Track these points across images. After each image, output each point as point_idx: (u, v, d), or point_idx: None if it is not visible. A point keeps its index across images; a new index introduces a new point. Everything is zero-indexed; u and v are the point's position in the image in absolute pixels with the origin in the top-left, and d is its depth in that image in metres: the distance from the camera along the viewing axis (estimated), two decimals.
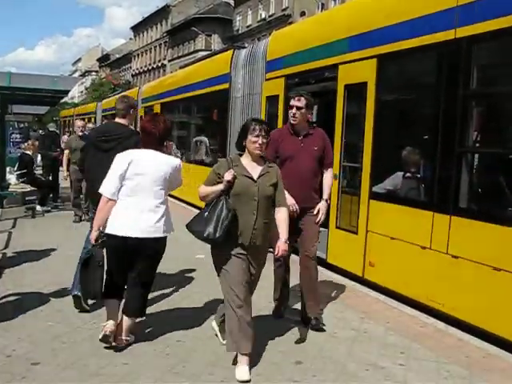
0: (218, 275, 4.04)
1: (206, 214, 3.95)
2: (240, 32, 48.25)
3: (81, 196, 10.16)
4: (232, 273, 3.90)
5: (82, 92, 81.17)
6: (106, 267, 4.41)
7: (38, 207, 10.98)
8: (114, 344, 4.20)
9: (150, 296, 5.51)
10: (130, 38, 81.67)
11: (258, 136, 3.95)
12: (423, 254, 5.42)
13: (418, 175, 6.01)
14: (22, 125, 15.42)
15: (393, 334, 4.77)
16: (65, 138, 15.04)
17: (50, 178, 12.79)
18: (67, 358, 4.02)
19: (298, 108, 4.84)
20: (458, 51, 5.07)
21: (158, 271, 6.07)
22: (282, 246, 4.01)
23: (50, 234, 8.79)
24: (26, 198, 11.17)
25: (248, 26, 47.26)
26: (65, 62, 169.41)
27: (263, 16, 44.38)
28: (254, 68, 9.58)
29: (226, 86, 10.68)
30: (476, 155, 5.24)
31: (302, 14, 37.19)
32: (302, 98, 4.86)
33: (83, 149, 5.81)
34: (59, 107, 37.43)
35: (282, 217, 4.08)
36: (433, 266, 5.31)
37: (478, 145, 5.30)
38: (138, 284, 4.31)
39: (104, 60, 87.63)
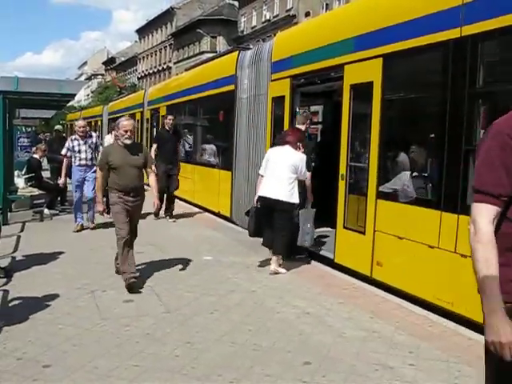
0: None
1: None
2: (245, 33, 48.28)
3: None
4: None
5: (88, 95, 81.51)
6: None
7: (46, 211, 11.03)
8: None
9: (158, 297, 5.55)
10: (136, 41, 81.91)
11: None
12: (431, 253, 5.41)
13: (425, 174, 6.00)
14: (29, 129, 15.50)
15: (402, 334, 4.76)
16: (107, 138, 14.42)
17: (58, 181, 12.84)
18: (77, 361, 4.04)
19: None
20: (464, 49, 5.06)
21: (165, 272, 6.16)
22: None
23: (58, 236, 8.83)
24: (34, 202, 11.23)
25: (253, 27, 47.28)
26: (71, 66, 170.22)
27: (268, 17, 44.39)
28: (259, 69, 9.59)
29: (231, 87, 10.70)
30: None
31: (307, 14, 37.16)
32: None
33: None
34: (66, 111, 37.61)
35: None
36: (441, 265, 5.30)
37: None
38: (277, 230, 6.65)
39: (110, 63, 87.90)
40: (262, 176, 6.88)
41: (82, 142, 9.52)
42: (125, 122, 6.13)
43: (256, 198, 6.99)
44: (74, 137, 9.72)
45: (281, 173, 6.62)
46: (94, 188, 9.00)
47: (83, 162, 9.52)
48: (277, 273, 6.64)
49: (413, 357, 4.26)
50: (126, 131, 6.04)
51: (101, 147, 9.58)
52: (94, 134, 10.19)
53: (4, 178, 10.07)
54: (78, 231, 9.41)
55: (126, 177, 5.99)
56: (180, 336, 4.58)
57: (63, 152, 9.65)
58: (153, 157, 8.58)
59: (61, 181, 10.13)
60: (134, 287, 5.80)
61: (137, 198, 6.11)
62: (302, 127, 7.40)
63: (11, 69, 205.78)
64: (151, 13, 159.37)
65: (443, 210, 5.27)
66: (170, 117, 11.27)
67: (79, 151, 9.50)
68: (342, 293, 5.99)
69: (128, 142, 6.07)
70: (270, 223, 6.75)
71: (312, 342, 4.56)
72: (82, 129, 9.65)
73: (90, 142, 9.62)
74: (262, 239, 7.15)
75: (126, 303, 5.48)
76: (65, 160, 9.73)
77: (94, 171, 9.06)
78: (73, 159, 9.57)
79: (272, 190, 6.62)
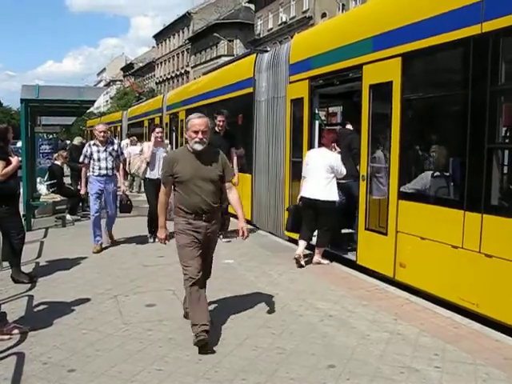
0: None
1: None
2: (261, 36, 48.31)
3: None
4: None
5: (107, 101, 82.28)
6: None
7: (68, 216, 11.16)
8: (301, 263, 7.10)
9: (180, 302, 5.55)
10: (153, 47, 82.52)
11: None
12: (455, 254, 5.33)
13: (447, 174, 5.92)
14: (50, 136, 15.67)
15: (427, 336, 4.70)
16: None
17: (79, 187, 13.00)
18: (101, 365, 4.06)
19: None
20: (485, 46, 4.98)
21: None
22: None
23: (81, 242, 8.91)
24: (57, 208, 11.35)
25: (269, 30, 47.29)
26: (90, 73, 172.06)
27: (284, 19, 44.35)
28: (277, 71, 9.57)
29: (250, 90, 10.70)
30: (506, 151, 5.14)
31: (323, 15, 37.07)
32: None
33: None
34: (86, 117, 38.02)
35: None
36: (465, 266, 5.22)
37: (508, 140, 5.20)
38: (321, 226, 7.26)
39: (128, 69, 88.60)
40: (304, 177, 7.42)
41: (101, 148, 8.37)
42: (195, 121, 4.58)
43: (299, 197, 7.54)
44: (92, 142, 8.65)
45: (318, 174, 7.15)
46: (115, 201, 8.63)
47: (103, 172, 8.35)
48: (319, 263, 7.30)
49: (438, 359, 4.20)
50: (197, 132, 4.53)
51: (123, 155, 9.01)
52: (115, 141, 9.42)
53: (27, 185, 10.20)
54: (97, 252, 8.11)
55: (196, 194, 4.58)
56: None
57: (80, 159, 8.59)
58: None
59: (82, 191, 9.14)
60: (205, 346, 4.35)
61: (211, 223, 4.70)
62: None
63: (32, 77, 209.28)
64: (169, 18, 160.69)
65: (466, 210, 5.20)
66: (219, 118, 8.96)
67: (98, 159, 8.33)
68: (365, 295, 5.94)
69: (199, 147, 4.58)
70: (309, 220, 7.34)
71: (336, 344, 4.52)
72: (102, 134, 8.46)
73: (110, 148, 8.47)
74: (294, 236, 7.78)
75: (149, 308, 5.50)
76: (83, 169, 8.67)
77: (115, 183, 8.64)
78: (91, 168, 8.40)
79: (311, 190, 7.21)
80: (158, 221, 4.91)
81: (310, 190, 7.24)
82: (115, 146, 8.67)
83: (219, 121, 8.91)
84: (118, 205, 8.87)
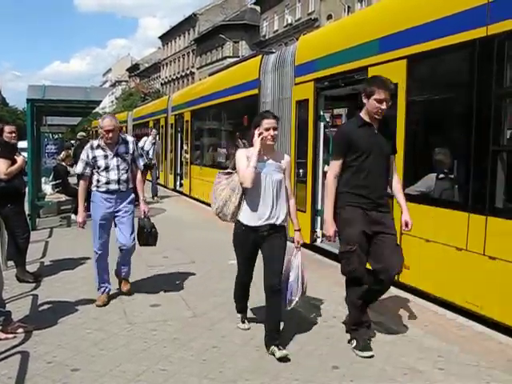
0: None
1: None
2: (267, 37, 48.31)
3: None
4: None
5: (112, 102, 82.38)
6: None
7: (73, 216, 11.16)
8: None
9: (185, 302, 5.56)
10: (159, 47, 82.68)
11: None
12: (459, 256, 5.33)
13: (452, 176, 5.92)
14: (56, 136, 15.74)
15: (431, 338, 4.69)
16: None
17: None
18: (105, 365, 4.08)
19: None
20: (490, 49, 4.98)
21: (192, 276, 6.11)
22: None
23: (85, 242, 8.89)
24: (61, 208, 11.39)
25: (275, 32, 47.28)
26: (96, 74, 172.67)
27: (289, 21, 44.32)
28: (282, 73, 9.59)
29: (255, 91, 10.72)
30: (511, 153, 5.14)
31: (329, 17, 37.05)
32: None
33: None
34: (91, 117, 38.11)
35: None
36: (469, 268, 5.22)
37: None
38: None
39: (133, 70, 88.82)
40: None
41: (109, 151, 5.63)
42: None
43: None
44: (95, 143, 5.72)
45: None
46: (131, 229, 5.77)
47: (113, 187, 5.60)
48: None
49: (442, 361, 4.20)
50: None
51: (143, 157, 6.49)
52: (130, 139, 5.93)
53: (32, 185, 10.24)
54: (103, 305, 5.56)
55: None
56: (207, 340, 4.59)
57: (78, 169, 5.79)
58: None
59: (79, 219, 5.79)
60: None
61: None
62: None
63: (39, 78, 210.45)
64: (178, 19, 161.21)
65: (471, 212, 5.20)
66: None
67: (106, 167, 5.60)
68: None
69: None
70: None
71: (340, 346, 4.52)
72: (109, 134, 5.54)
73: (123, 150, 5.69)
74: None
75: (153, 308, 5.51)
76: (81, 183, 5.84)
77: (132, 201, 5.81)
78: (94, 180, 5.69)
79: None
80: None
81: None
82: (130, 146, 5.78)
83: None
84: (136, 234, 5.86)
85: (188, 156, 16.82)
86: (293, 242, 4.59)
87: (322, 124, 8.56)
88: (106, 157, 5.63)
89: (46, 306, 5.52)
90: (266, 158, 4.40)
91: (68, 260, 7.50)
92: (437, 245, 5.64)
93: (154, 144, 15.67)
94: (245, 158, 4.35)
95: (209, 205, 13.82)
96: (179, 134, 18.14)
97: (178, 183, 18.57)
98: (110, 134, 5.55)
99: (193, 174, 16.25)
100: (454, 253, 5.39)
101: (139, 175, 5.94)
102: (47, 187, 12.10)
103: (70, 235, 9.80)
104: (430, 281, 5.82)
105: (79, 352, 4.32)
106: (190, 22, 66.10)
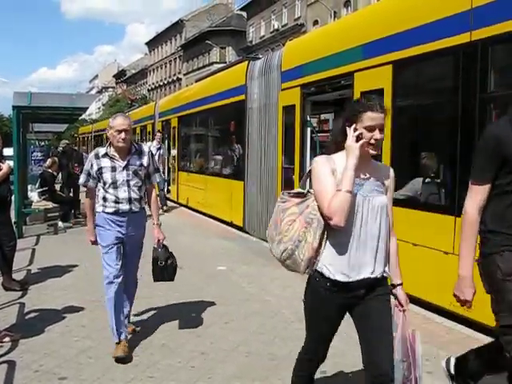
0: None
1: None
2: (253, 43, 48.51)
3: None
4: None
5: (99, 108, 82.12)
6: None
7: (60, 223, 11.12)
8: None
9: (175, 308, 5.55)
10: (146, 54, 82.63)
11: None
12: (446, 260, 5.36)
13: (438, 180, 5.96)
14: (42, 143, 15.67)
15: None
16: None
17: (71, 194, 12.97)
18: (93, 373, 4.05)
19: None
20: (474, 54, 5.04)
21: (179, 282, 6.08)
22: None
23: (72, 249, 8.87)
24: (48, 215, 11.32)
25: (261, 37, 47.49)
26: (83, 80, 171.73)
27: (276, 26, 44.55)
28: (269, 78, 9.62)
29: (242, 97, 10.74)
30: None
31: (315, 23, 37.28)
32: None
33: None
34: (78, 124, 37.97)
35: None
36: (456, 272, 5.23)
37: None
38: None
39: (120, 76, 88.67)
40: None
41: (120, 163, 4.50)
42: None
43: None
44: (102, 151, 4.55)
45: None
46: (137, 257, 4.91)
47: (124, 207, 4.51)
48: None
49: (430, 365, 4.21)
50: None
51: (160, 172, 5.17)
52: (145, 149, 4.72)
53: (19, 192, 10.16)
54: (125, 355, 4.30)
55: None
56: (195, 347, 4.58)
57: (80, 181, 4.69)
58: None
59: (91, 238, 4.65)
60: None
61: None
62: None
63: (25, 84, 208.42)
64: (165, 25, 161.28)
65: (457, 216, 5.23)
66: None
67: (114, 183, 4.48)
68: None
69: None
70: None
71: (329, 351, 4.52)
72: (122, 135, 4.39)
73: (137, 163, 4.55)
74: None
75: (140, 315, 5.48)
76: (86, 202, 4.76)
77: (144, 225, 4.81)
78: (99, 198, 4.58)
79: None
80: None
81: None
82: (145, 158, 4.61)
83: None
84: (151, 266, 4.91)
85: (175, 162, 16.81)
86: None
87: (308, 129, 8.60)
88: (113, 169, 4.47)
89: (32, 314, 5.48)
90: (362, 173, 2.80)
91: (55, 267, 7.45)
92: (424, 249, 5.67)
93: (159, 149, 13.95)
94: (330, 174, 2.66)
95: (197, 211, 13.89)
96: (166, 141, 18.11)
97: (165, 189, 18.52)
98: (123, 135, 4.36)
99: (180, 180, 16.24)
100: (441, 256, 5.42)
101: (154, 194, 4.81)
102: (34, 194, 12.02)
103: (58, 243, 9.74)
104: (417, 284, 5.83)
105: (66, 360, 4.29)
106: (176, 28, 66.19)
